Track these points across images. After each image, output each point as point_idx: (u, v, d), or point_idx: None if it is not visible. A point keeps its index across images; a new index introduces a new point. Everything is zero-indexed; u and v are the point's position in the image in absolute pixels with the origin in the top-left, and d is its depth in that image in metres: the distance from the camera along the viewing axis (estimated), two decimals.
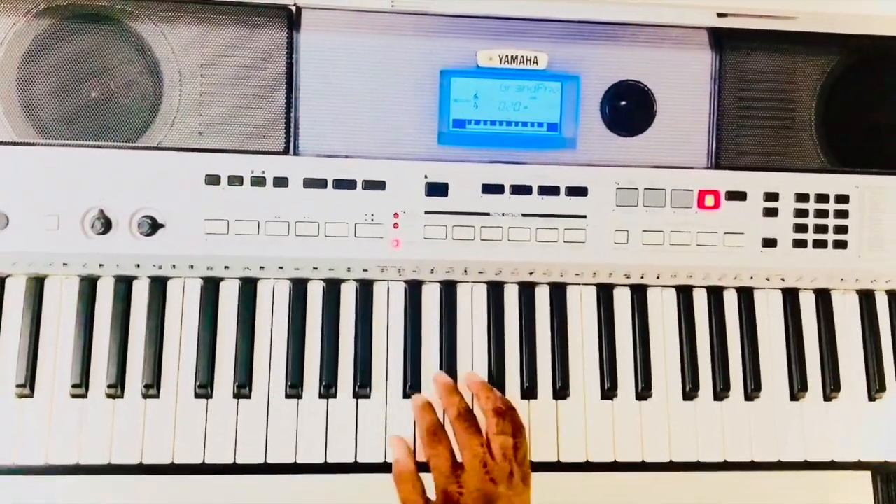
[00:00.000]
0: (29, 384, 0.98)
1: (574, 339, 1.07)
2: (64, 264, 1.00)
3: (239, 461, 1.00)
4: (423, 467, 0.99)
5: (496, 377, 1.04)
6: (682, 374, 1.08)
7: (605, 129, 1.06)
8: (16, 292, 1.01)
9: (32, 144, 0.98)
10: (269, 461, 1.00)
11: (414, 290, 1.06)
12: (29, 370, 0.98)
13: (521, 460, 0.96)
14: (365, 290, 1.05)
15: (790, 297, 1.11)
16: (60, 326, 1.00)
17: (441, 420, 1.01)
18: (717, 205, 1.06)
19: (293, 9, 1.02)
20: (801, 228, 1.08)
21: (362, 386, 1.02)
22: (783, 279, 1.10)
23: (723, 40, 1.07)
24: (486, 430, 0.98)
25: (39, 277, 1.01)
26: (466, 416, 0.99)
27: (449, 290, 1.06)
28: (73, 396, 0.99)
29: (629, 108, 1.06)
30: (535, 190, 1.04)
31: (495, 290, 1.07)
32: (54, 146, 0.98)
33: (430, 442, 0.97)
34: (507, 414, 0.98)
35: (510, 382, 1.05)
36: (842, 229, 1.08)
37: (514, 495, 0.93)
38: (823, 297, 1.12)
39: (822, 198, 1.08)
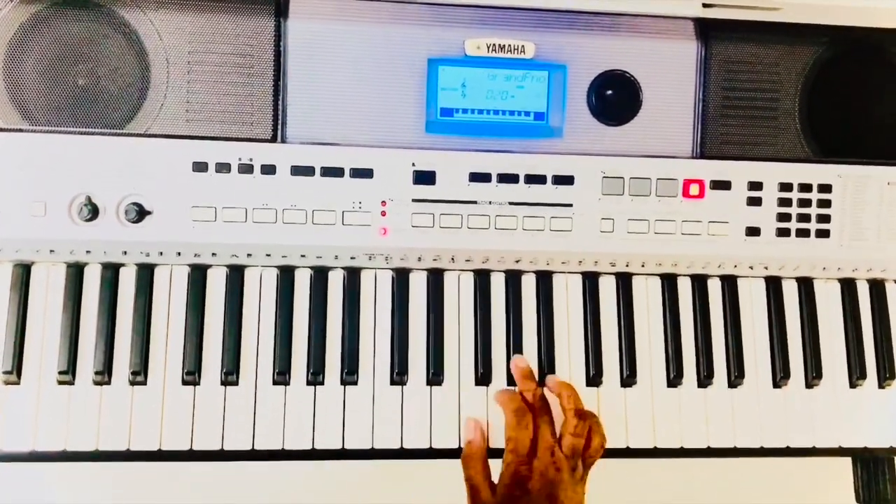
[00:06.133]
0: (15, 371, 0.98)
1: (560, 327, 1.08)
2: (51, 251, 1.00)
3: (226, 448, 1.00)
4: None
5: (482, 364, 1.05)
6: (667, 362, 1.09)
7: (592, 119, 1.07)
8: (2, 279, 1.00)
9: (19, 131, 0.98)
10: (256, 448, 1.00)
11: (401, 278, 1.06)
12: (15, 357, 0.98)
13: (589, 463, 0.99)
14: (352, 277, 1.05)
15: (773, 286, 1.12)
16: (47, 313, 1.00)
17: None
18: (701, 194, 1.07)
19: None
20: (784, 217, 1.09)
21: (350, 373, 1.03)
22: (766, 267, 1.11)
23: (708, 31, 1.07)
24: (560, 426, 1.00)
25: (26, 264, 1.01)
26: (541, 403, 1.01)
27: (436, 278, 1.07)
28: (60, 383, 0.99)
29: (615, 98, 1.07)
30: (521, 178, 1.05)
31: (482, 278, 1.08)
32: (41, 133, 0.98)
33: (518, 425, 0.99)
34: (588, 418, 1.00)
35: (496, 370, 1.06)
36: (824, 218, 1.10)
37: (573, 484, 0.97)
38: (806, 286, 1.13)
39: (806, 187, 1.09)
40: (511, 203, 1.05)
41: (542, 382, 1.06)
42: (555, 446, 0.98)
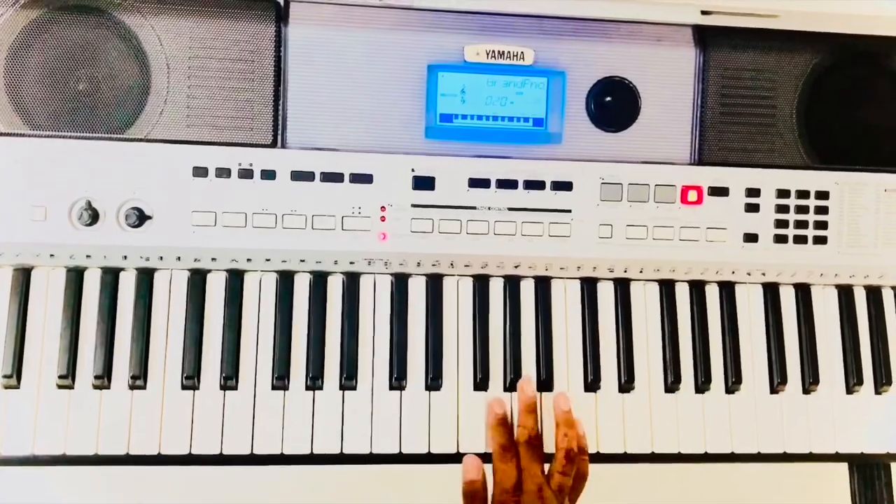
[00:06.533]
0: (15, 375, 0.98)
1: (558, 333, 1.08)
2: (51, 255, 1.00)
3: (225, 452, 1.00)
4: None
5: (481, 370, 1.05)
6: (665, 368, 1.09)
7: (591, 125, 1.07)
8: (2, 283, 1.00)
9: (20, 135, 0.98)
10: (255, 452, 1.00)
11: (400, 283, 1.06)
12: (15, 361, 0.98)
13: (574, 499, 1.00)
14: (352, 282, 1.06)
15: (770, 292, 1.13)
16: (47, 317, 1.00)
17: (513, 435, 1.02)
18: (699, 200, 1.08)
19: (281, 2, 1.02)
20: (781, 224, 1.09)
21: (349, 378, 1.03)
22: (764, 274, 1.12)
23: (707, 38, 1.08)
24: (551, 464, 1.00)
25: (26, 268, 1.01)
26: (534, 443, 1.00)
27: (435, 284, 1.07)
28: (60, 387, 0.99)
29: (614, 104, 1.07)
30: (520, 184, 1.05)
31: (481, 284, 1.08)
32: (42, 137, 0.98)
33: (502, 458, 0.99)
34: (577, 459, 1.00)
35: (494, 375, 1.06)
36: (821, 225, 1.10)
37: None
38: (803, 292, 1.13)
39: (803, 194, 1.10)
40: (510, 209, 1.05)
41: (541, 388, 1.06)
42: (543, 484, 0.97)
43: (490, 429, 1.02)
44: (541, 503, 0.96)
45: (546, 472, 0.99)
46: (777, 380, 1.10)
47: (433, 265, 1.06)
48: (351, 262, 1.05)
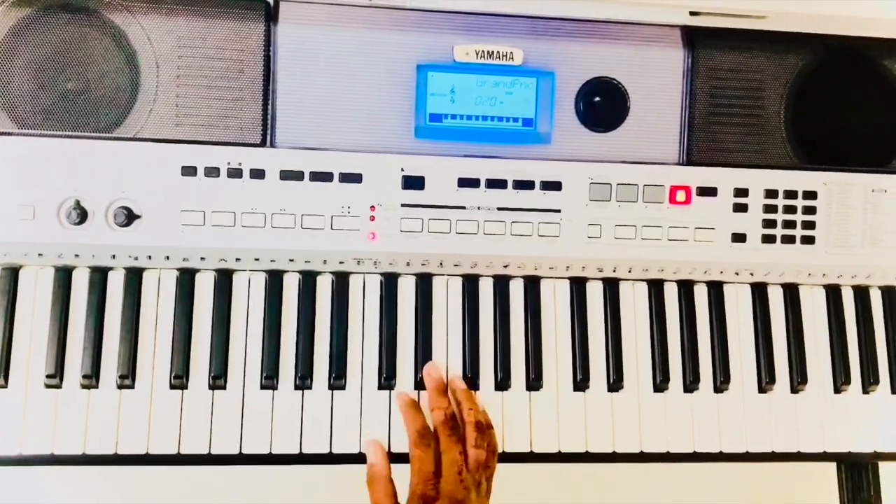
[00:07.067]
0: (3, 374, 0.98)
1: (547, 332, 1.08)
2: (39, 255, 1.00)
3: (214, 452, 1.00)
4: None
5: (470, 369, 1.05)
6: (653, 367, 1.09)
7: (580, 125, 1.07)
8: None
9: (8, 134, 0.98)
10: (244, 452, 1.00)
11: (390, 283, 1.07)
12: (3, 360, 0.98)
13: (489, 476, 0.99)
14: (341, 282, 1.06)
15: (759, 292, 1.13)
16: (35, 317, 1.00)
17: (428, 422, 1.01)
18: (688, 200, 1.08)
19: (271, 1, 1.02)
20: (769, 224, 1.10)
21: (338, 377, 1.03)
22: (752, 274, 1.12)
23: (695, 38, 1.08)
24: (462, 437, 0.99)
25: (14, 267, 1.01)
26: (451, 423, 0.99)
27: (424, 283, 1.07)
28: (48, 387, 0.99)
29: (603, 105, 1.07)
30: (510, 184, 1.06)
31: (470, 283, 1.08)
32: (30, 136, 0.98)
33: (420, 444, 0.98)
34: (486, 430, 0.99)
35: (484, 374, 1.06)
36: (809, 225, 1.11)
37: (479, 501, 0.96)
38: (791, 292, 1.14)
39: (791, 194, 1.10)
40: (499, 208, 1.05)
41: (530, 387, 1.06)
42: (462, 465, 0.96)
43: (404, 414, 1.01)
44: (460, 486, 0.94)
45: (462, 452, 0.97)
46: (765, 379, 1.10)
47: (422, 265, 1.06)
48: (340, 262, 1.05)
